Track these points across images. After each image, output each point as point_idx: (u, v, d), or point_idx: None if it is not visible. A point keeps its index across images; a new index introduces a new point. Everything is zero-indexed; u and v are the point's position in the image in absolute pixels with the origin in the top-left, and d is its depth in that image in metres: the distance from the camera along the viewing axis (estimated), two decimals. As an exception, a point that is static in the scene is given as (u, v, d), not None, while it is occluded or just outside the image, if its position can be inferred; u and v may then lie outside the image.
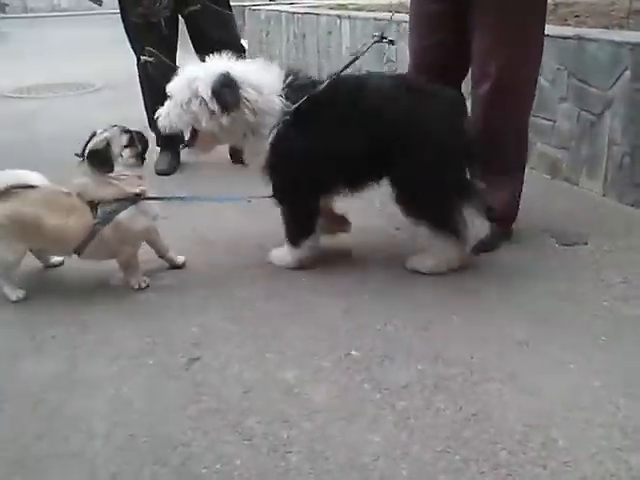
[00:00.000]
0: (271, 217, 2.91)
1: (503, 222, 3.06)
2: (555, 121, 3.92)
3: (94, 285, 2.84)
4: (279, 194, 2.76)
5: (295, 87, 2.63)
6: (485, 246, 2.97)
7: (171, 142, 4.01)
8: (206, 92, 2.53)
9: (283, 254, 2.92)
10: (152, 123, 3.36)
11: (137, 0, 4.08)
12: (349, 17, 6.52)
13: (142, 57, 4.31)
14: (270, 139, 2.62)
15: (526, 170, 3.14)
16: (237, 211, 3.55)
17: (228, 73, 2.55)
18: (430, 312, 2.53)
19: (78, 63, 10.45)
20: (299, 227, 2.84)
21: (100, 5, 3.06)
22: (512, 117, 2.92)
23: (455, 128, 2.63)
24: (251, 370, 2.21)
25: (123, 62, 9.75)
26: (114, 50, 10.42)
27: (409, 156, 2.57)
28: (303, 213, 2.81)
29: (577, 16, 4.77)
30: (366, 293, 2.71)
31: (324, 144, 2.56)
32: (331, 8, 7.82)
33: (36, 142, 5.48)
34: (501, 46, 2.75)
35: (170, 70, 2.88)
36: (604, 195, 3.63)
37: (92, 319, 2.55)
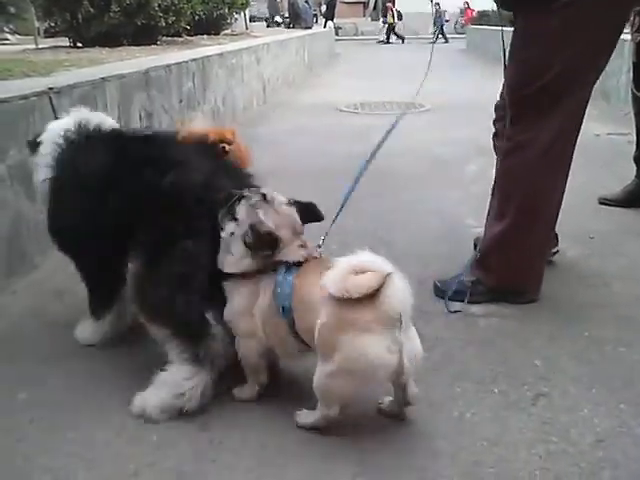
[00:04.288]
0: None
1: None
2: None
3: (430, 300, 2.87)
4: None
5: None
6: None
7: None
8: None
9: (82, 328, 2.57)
10: None
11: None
12: None
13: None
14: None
15: None
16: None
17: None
18: None
19: (405, 84, 10.82)
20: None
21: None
22: None
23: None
24: (603, 417, 2.06)
25: (451, 87, 9.99)
26: (438, 74, 10.62)
27: None
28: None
29: None
30: None
31: None
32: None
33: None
34: None
35: None
36: None
37: (430, 336, 2.55)
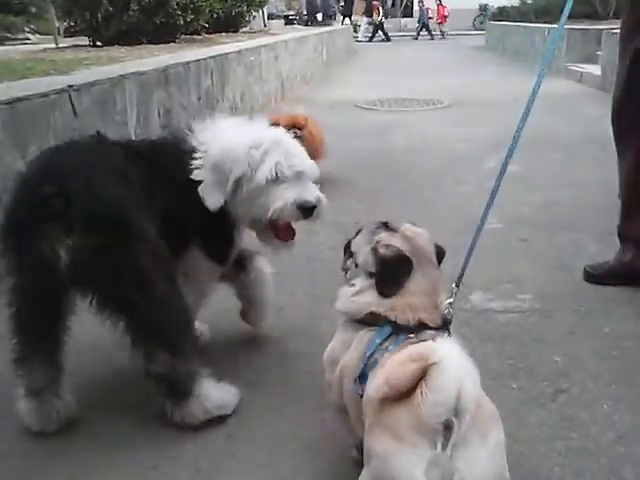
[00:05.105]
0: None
1: None
2: None
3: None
4: None
5: None
6: None
7: None
8: None
9: None
10: None
11: None
12: None
13: None
14: None
15: None
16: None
17: None
18: None
19: (424, 80, 10.85)
20: None
21: None
22: None
23: None
24: (623, 413, 2.04)
25: (470, 83, 9.95)
26: (456, 71, 10.61)
27: None
28: None
29: None
30: None
31: None
32: None
33: (391, 152, 5.75)
34: None
35: None
36: None
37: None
